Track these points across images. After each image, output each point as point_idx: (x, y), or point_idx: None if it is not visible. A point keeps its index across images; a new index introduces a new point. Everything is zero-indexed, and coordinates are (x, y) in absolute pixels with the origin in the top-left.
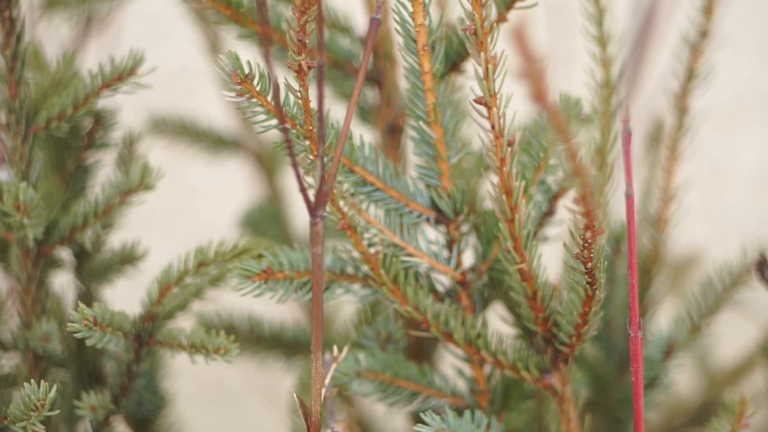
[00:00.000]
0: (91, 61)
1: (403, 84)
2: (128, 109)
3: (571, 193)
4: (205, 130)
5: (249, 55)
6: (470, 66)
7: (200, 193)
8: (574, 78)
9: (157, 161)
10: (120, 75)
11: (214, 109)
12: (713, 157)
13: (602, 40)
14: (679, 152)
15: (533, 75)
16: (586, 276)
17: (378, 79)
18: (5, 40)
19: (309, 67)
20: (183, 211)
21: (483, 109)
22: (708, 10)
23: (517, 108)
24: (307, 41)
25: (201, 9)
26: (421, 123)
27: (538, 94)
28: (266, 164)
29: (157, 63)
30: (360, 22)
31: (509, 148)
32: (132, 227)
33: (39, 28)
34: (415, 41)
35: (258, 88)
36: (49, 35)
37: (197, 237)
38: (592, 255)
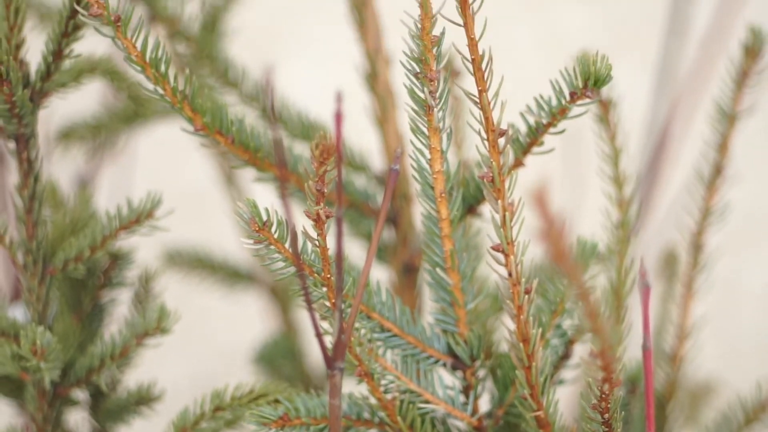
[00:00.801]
0: (107, 190)
1: (419, 224)
2: (143, 239)
3: (587, 339)
4: (221, 263)
5: (266, 192)
6: (487, 209)
7: (215, 318)
8: (587, 210)
9: (170, 285)
10: (138, 218)
11: (228, 233)
12: (724, 277)
13: (618, 181)
14: (695, 289)
15: (553, 237)
16: (603, 426)
17: (394, 219)
18: (23, 181)
19: (327, 216)
20: (197, 335)
21: (500, 257)
22: (722, 147)
23: (534, 253)
24: (326, 190)
25: (219, 151)
26: (437, 269)
27: (558, 255)
28: (281, 297)
29: (171, 188)
30: (376, 160)
31: (526, 296)
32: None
33: (54, 158)
34: (432, 188)
35: (276, 236)
36: (64, 164)
37: (211, 363)
38: (609, 406)
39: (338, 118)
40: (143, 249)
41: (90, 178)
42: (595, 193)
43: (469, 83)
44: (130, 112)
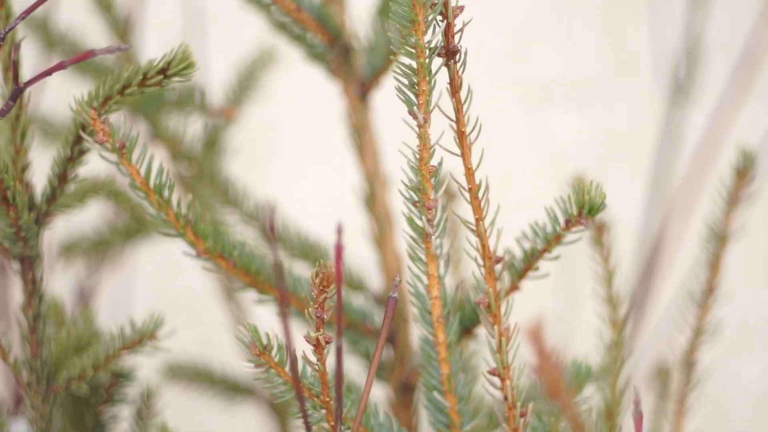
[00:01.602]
0: (107, 293)
1: (416, 344)
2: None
3: None
4: (220, 377)
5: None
6: (483, 331)
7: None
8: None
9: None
10: (140, 338)
11: (227, 337)
12: (717, 381)
13: (612, 301)
14: (687, 407)
15: (549, 373)
16: None
17: (391, 339)
18: (27, 301)
19: (327, 342)
20: None
21: (496, 381)
22: (714, 266)
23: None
24: (326, 317)
25: (220, 274)
26: (434, 392)
27: (555, 391)
28: (279, 411)
29: (170, 290)
30: (374, 280)
31: (522, 419)
32: None
33: (56, 270)
34: (430, 313)
35: (276, 359)
36: (66, 275)
37: None
38: None
39: (338, 250)
40: (143, 359)
41: (91, 289)
42: (588, 312)
43: (465, 208)
44: (132, 229)
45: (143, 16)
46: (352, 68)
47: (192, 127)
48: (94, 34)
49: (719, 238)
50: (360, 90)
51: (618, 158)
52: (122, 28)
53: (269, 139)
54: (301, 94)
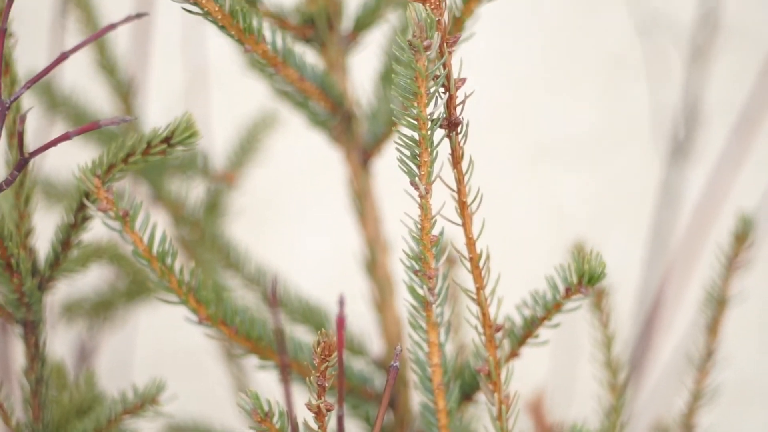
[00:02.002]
0: (108, 347)
1: (416, 407)
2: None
3: None
4: None
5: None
6: (483, 397)
7: None
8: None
9: None
10: (142, 402)
11: (227, 391)
12: None
13: (611, 366)
14: None
15: None
16: None
17: (392, 403)
18: (30, 364)
19: (328, 410)
20: None
21: None
22: (712, 330)
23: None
24: (327, 385)
25: (222, 341)
26: None
27: None
28: None
29: (170, 351)
30: (375, 344)
31: None
32: None
33: (57, 330)
34: (430, 380)
35: (278, 426)
36: (67, 335)
37: None
38: None
39: (340, 322)
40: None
41: (92, 348)
42: (586, 375)
43: (466, 275)
44: (133, 290)
45: (146, 76)
46: (354, 135)
47: (194, 191)
48: (98, 97)
49: (717, 303)
50: (362, 157)
51: (618, 218)
52: (125, 91)
53: (271, 201)
54: (302, 157)
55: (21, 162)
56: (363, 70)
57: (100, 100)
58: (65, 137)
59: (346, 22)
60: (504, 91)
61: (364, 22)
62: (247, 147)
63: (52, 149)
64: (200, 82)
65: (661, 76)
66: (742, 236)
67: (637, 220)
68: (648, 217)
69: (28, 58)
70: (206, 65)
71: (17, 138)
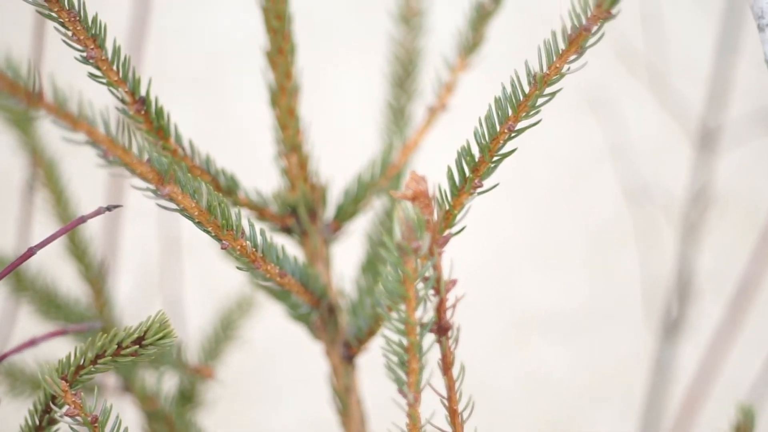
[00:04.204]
0: None
1: None
2: None
3: None
4: None
5: None
6: None
7: None
8: None
9: None
10: None
11: None
12: None
13: None
14: None
15: None
16: None
17: None
18: None
19: None
20: None
21: None
22: None
23: None
24: None
25: None
26: None
27: None
28: None
29: None
30: None
31: None
32: None
33: None
34: None
35: None
36: None
37: None
38: None
39: None
40: None
41: None
42: None
43: None
44: None
45: (118, 249)
46: (336, 328)
47: (167, 382)
48: (66, 274)
49: None
50: (345, 352)
51: (607, 394)
52: (95, 275)
53: (246, 384)
54: (278, 340)
55: None
56: (347, 258)
57: (67, 279)
58: (30, 343)
59: (329, 211)
60: (489, 258)
61: (347, 211)
62: (222, 336)
63: (20, 330)
64: (174, 253)
65: (651, 246)
66: (744, 430)
67: (628, 394)
68: (639, 392)
69: None
70: (179, 236)
71: None
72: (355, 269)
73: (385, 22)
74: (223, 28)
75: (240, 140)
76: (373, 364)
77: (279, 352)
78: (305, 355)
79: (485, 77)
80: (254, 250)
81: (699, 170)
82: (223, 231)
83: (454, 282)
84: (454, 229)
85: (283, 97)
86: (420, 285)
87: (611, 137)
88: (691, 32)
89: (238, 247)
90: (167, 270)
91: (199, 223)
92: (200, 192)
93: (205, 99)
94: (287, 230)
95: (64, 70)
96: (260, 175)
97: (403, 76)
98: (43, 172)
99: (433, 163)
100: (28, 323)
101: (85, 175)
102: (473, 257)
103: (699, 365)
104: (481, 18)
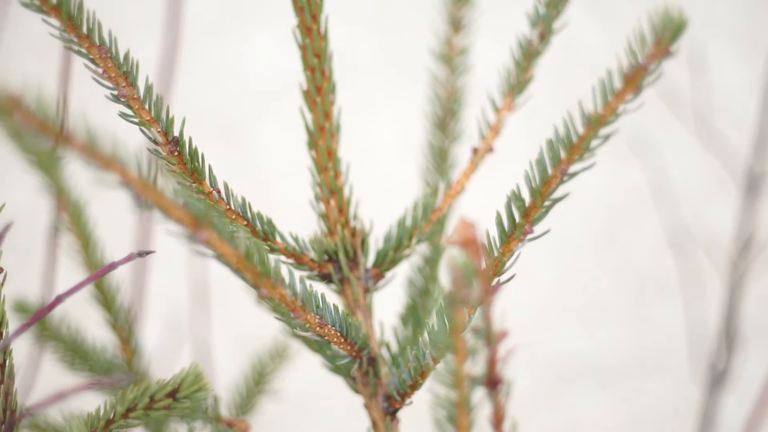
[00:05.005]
0: None
1: None
2: None
3: None
4: None
5: None
6: None
7: None
8: None
9: None
10: None
11: None
12: None
13: None
14: None
15: None
16: None
17: None
18: None
19: None
20: None
21: None
22: None
23: None
24: None
25: None
26: None
27: None
28: None
29: None
30: None
31: None
32: None
33: None
34: None
35: None
36: None
37: None
38: None
39: None
40: None
41: None
42: None
43: None
44: None
45: (146, 292)
46: (377, 381)
47: None
48: (91, 322)
49: None
50: (387, 405)
51: None
52: (122, 323)
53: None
54: (312, 391)
55: (12, 420)
56: (383, 305)
57: (92, 324)
58: (59, 397)
59: (369, 257)
60: (526, 307)
61: (388, 258)
62: (255, 390)
63: (43, 378)
64: (202, 298)
65: (695, 294)
66: None
67: None
68: None
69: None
70: (207, 281)
71: (3, 396)
72: (394, 317)
73: (420, 60)
74: (251, 67)
75: (267, 182)
76: (415, 418)
77: (313, 404)
78: (342, 407)
79: (521, 116)
80: (294, 298)
81: (745, 216)
82: (261, 279)
83: (505, 333)
84: (504, 277)
85: (322, 137)
86: (469, 335)
87: (654, 181)
88: (737, 76)
89: (278, 295)
90: (196, 316)
91: (236, 271)
92: (238, 238)
93: (232, 140)
94: (325, 277)
95: (88, 107)
96: (289, 217)
97: (445, 116)
98: (69, 215)
99: (470, 205)
100: (53, 371)
101: (112, 218)
102: (510, 306)
103: (745, 419)
104: (528, 56)
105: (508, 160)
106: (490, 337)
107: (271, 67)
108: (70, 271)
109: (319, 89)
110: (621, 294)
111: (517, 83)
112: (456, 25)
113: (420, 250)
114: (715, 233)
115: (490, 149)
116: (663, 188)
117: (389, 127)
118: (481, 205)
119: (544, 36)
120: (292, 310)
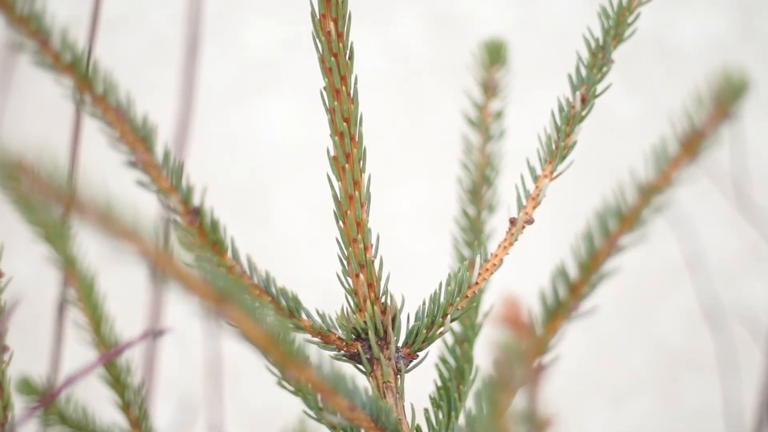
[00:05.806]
0: None
1: None
2: None
3: None
4: None
5: None
6: None
7: None
8: None
9: None
10: None
11: None
12: None
13: None
14: None
15: None
16: None
17: None
18: None
19: None
20: None
21: None
22: None
23: None
24: None
25: None
26: None
27: None
28: None
29: None
30: None
31: None
32: None
33: None
34: None
35: None
36: None
37: None
38: None
39: None
40: None
41: None
42: None
43: None
44: None
45: (156, 376)
46: None
47: None
48: (98, 402)
49: None
50: None
51: None
52: (133, 404)
53: None
54: None
55: None
56: (414, 383)
57: (100, 404)
58: None
59: (401, 334)
60: (558, 383)
61: (420, 336)
62: None
63: None
64: (215, 377)
65: (732, 373)
66: None
67: None
68: None
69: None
70: (221, 359)
71: None
72: (424, 398)
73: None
74: (267, 135)
75: (286, 256)
76: None
77: None
78: None
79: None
80: (321, 381)
81: None
82: (288, 359)
83: (552, 418)
84: (547, 358)
85: (351, 207)
86: (512, 421)
87: (688, 253)
88: None
89: (305, 377)
90: (209, 395)
91: (261, 350)
92: (264, 315)
93: (248, 210)
94: (353, 357)
95: (97, 175)
96: (310, 292)
97: (481, 184)
98: (78, 288)
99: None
100: None
101: (122, 291)
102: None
103: None
104: (570, 121)
105: (530, 229)
106: (536, 423)
107: (288, 137)
108: (77, 345)
109: (347, 155)
110: (654, 371)
111: (559, 149)
112: (490, 88)
113: (454, 328)
114: (751, 308)
115: (530, 220)
116: (698, 261)
117: (416, 197)
118: (500, 276)
119: (587, 100)
120: (321, 393)
